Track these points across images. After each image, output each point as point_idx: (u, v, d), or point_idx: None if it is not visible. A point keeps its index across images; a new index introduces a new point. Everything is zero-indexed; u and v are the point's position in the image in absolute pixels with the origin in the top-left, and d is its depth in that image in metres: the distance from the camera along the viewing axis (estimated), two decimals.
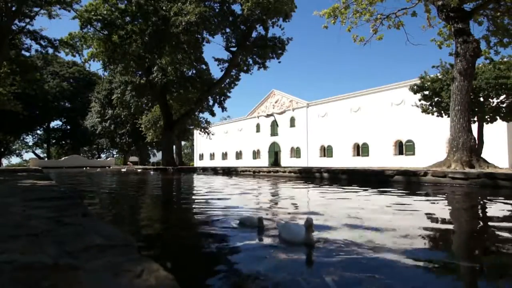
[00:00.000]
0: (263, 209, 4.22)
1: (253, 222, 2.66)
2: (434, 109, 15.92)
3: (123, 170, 23.33)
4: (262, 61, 24.08)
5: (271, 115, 40.42)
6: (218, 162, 48.91)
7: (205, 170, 18.48)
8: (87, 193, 6.63)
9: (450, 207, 4.58)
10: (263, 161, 40.96)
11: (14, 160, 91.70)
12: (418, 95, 16.46)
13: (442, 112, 15.51)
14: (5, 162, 61.34)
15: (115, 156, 62.91)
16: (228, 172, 15.73)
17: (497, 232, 2.76)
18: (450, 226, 3.13)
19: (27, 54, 22.70)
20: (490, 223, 3.24)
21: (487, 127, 15.31)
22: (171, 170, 19.63)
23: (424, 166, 11.38)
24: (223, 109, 28.56)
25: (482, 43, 11.97)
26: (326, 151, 33.70)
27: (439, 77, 15.44)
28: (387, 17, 12.76)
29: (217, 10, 22.19)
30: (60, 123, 54.12)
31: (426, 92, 15.91)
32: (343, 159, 30.91)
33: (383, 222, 3.03)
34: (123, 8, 21.34)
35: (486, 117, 14.73)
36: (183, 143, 55.03)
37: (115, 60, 22.22)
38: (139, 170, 21.55)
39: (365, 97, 29.86)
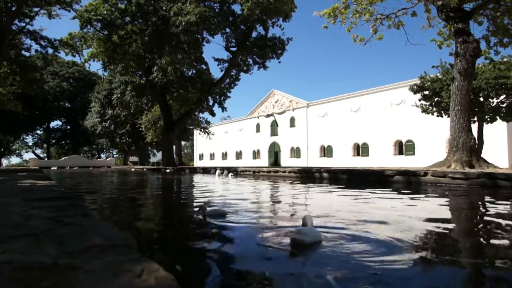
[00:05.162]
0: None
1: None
2: (434, 109, 15.92)
3: (132, 169, 24.50)
4: (262, 61, 24.09)
5: (271, 115, 40.41)
6: (218, 162, 48.88)
7: (205, 170, 18.46)
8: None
9: (453, 207, 4.58)
10: (263, 161, 40.95)
11: (14, 160, 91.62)
12: (418, 95, 16.46)
13: (442, 112, 15.51)
14: (5, 162, 61.41)
15: (115, 156, 62.99)
16: (229, 172, 15.67)
17: (496, 231, 2.76)
18: (450, 226, 3.13)
19: (27, 54, 22.74)
20: (489, 223, 3.24)
21: (487, 127, 15.30)
22: (186, 171, 19.65)
23: (424, 166, 11.38)
24: (223, 109, 28.59)
25: (482, 43, 11.99)
26: (326, 151, 33.70)
27: (439, 77, 15.43)
28: (387, 17, 12.76)
29: (217, 10, 22.22)
30: (60, 123, 54.20)
31: (426, 92, 15.91)
32: (343, 159, 30.90)
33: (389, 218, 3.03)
34: (123, 8, 21.35)
35: (486, 117, 14.73)
36: (183, 143, 55.07)
37: (115, 60, 22.23)
38: (144, 169, 21.79)
39: (365, 97, 29.85)
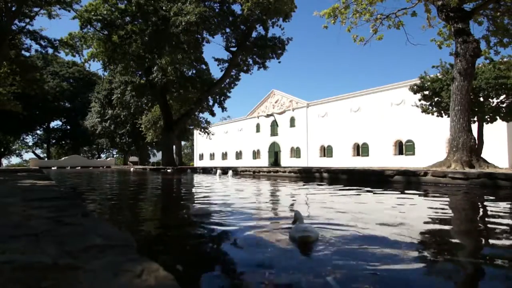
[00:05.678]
0: None
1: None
2: (434, 109, 15.93)
3: (131, 169, 24.84)
4: (262, 61, 24.13)
5: (271, 115, 40.42)
6: (218, 162, 48.91)
7: (205, 170, 18.46)
8: None
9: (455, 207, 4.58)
10: (263, 161, 40.96)
11: (14, 160, 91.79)
12: (418, 95, 16.47)
13: (442, 112, 15.52)
14: (5, 162, 61.43)
15: (115, 156, 63.03)
16: (229, 172, 15.67)
17: (496, 231, 2.76)
18: (450, 225, 3.13)
19: (27, 54, 22.75)
20: (488, 223, 3.25)
21: (487, 127, 15.31)
22: (188, 171, 19.70)
23: (424, 166, 11.38)
24: (223, 109, 28.61)
25: (482, 43, 11.99)
26: (326, 151, 33.71)
27: (439, 77, 15.45)
28: (387, 17, 12.76)
29: (217, 10, 22.24)
30: (60, 123, 54.24)
31: (426, 92, 15.92)
32: (343, 159, 30.91)
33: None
34: (123, 8, 21.37)
35: (486, 117, 14.74)
36: (183, 143, 55.10)
37: (115, 60, 22.24)
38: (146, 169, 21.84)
39: (365, 97, 29.86)
